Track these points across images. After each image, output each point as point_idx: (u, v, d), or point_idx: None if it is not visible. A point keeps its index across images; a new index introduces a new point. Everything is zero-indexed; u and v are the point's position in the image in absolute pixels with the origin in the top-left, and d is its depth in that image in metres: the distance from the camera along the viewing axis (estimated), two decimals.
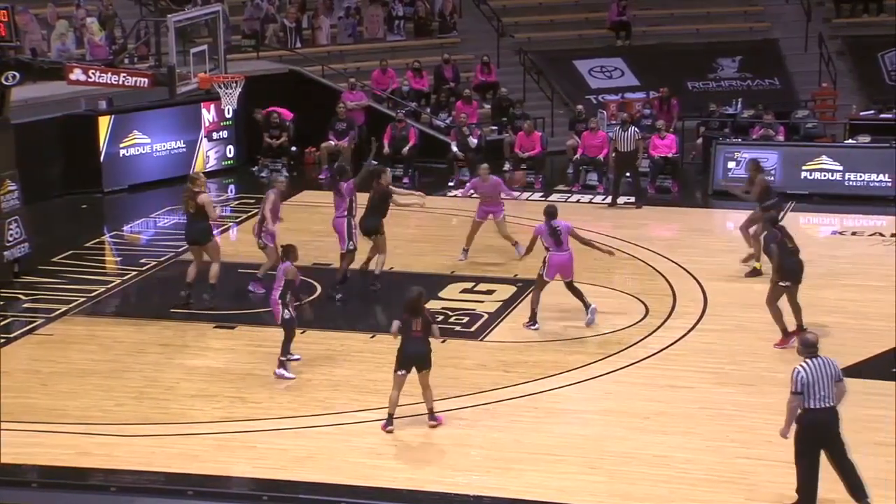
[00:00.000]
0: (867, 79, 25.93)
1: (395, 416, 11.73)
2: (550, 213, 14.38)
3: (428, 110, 24.09)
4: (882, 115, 23.36)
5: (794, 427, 10.04)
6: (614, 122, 23.04)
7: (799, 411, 9.97)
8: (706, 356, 13.64)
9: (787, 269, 13.62)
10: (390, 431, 11.66)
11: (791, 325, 13.74)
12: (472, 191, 17.39)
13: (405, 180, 21.80)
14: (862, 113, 23.50)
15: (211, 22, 17.93)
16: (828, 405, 9.93)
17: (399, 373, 11.67)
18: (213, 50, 16.98)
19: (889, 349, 13.81)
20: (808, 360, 10.08)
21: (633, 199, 20.32)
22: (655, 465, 11.07)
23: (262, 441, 11.64)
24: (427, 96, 24.48)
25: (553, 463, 11.17)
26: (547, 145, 22.28)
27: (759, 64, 26.19)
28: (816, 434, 9.94)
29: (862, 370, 13.14)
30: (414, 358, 11.65)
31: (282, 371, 12.89)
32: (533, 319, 14.37)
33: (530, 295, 14.55)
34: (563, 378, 13.01)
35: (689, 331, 14.40)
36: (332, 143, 22.23)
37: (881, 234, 18.65)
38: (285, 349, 12.97)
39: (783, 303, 13.79)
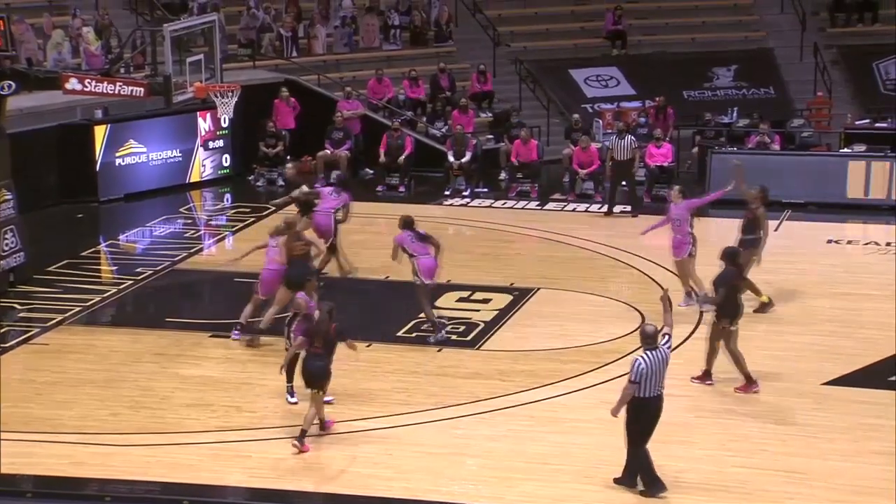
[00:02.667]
0: (862, 88, 25.97)
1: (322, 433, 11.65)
2: (409, 222, 14.41)
3: (424, 119, 24.10)
4: (877, 125, 23.37)
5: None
6: (610, 130, 23.08)
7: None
8: (701, 364, 13.60)
9: (731, 311, 12.88)
10: (304, 451, 11.45)
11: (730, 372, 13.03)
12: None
13: (401, 189, 21.81)
14: (857, 122, 23.52)
15: (207, 31, 17.93)
16: (657, 394, 10.59)
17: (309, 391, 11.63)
18: (209, 59, 16.97)
19: (885, 358, 13.79)
20: (647, 352, 10.56)
21: (629, 208, 20.34)
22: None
23: (257, 450, 11.62)
24: (423, 105, 24.50)
25: (549, 472, 11.15)
26: (543, 154, 22.29)
27: (754, 73, 26.23)
28: (647, 420, 10.59)
29: (859, 379, 13.16)
30: (306, 374, 11.66)
31: (287, 397, 12.65)
32: (439, 329, 14.33)
33: (424, 309, 14.36)
34: (559, 387, 12.99)
35: (685, 339, 14.39)
36: (329, 151, 22.23)
37: (876, 244, 18.66)
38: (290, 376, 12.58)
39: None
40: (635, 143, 20.51)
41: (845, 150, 21.93)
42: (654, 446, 11.47)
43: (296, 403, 12.47)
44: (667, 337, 10.85)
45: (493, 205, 20.92)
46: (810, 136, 23.03)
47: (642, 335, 10.79)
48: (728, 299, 12.84)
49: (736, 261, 13.34)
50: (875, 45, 26.39)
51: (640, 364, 10.49)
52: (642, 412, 10.53)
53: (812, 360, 13.73)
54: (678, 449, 11.52)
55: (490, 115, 24.45)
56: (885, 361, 13.70)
